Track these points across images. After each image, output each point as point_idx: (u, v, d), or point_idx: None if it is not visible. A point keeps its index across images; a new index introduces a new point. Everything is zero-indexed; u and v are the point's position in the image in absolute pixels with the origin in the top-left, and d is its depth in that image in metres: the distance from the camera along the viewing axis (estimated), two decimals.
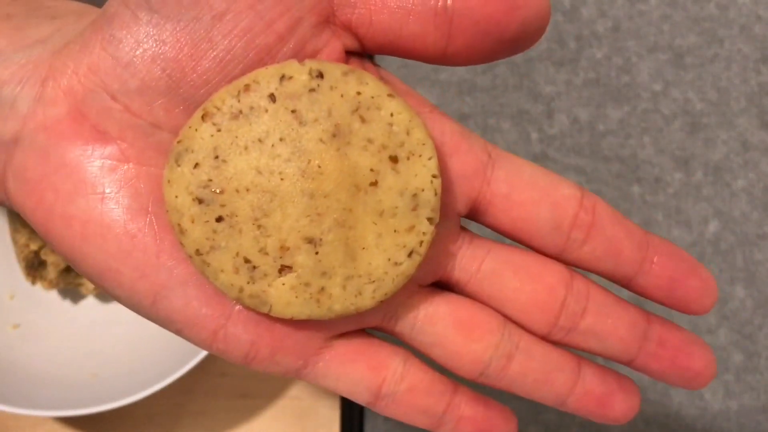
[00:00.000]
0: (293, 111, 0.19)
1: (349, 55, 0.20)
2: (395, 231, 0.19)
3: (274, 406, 0.46)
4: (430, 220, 0.19)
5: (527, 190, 0.20)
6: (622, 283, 0.21)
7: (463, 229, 0.21)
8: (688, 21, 0.45)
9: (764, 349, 0.44)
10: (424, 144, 0.19)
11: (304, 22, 0.19)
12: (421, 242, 0.19)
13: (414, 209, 0.19)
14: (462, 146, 0.20)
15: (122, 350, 0.44)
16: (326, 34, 0.19)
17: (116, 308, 0.45)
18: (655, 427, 0.44)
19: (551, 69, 0.45)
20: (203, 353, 0.38)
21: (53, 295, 0.46)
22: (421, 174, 0.19)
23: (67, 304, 0.46)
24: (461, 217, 0.21)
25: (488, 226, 0.21)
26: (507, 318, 0.21)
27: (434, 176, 0.19)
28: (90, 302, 0.46)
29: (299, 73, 0.19)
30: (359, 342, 0.21)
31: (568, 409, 0.22)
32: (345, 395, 0.21)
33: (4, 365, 0.42)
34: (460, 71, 0.45)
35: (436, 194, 0.19)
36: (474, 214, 0.21)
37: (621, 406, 0.21)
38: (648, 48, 0.45)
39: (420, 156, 0.19)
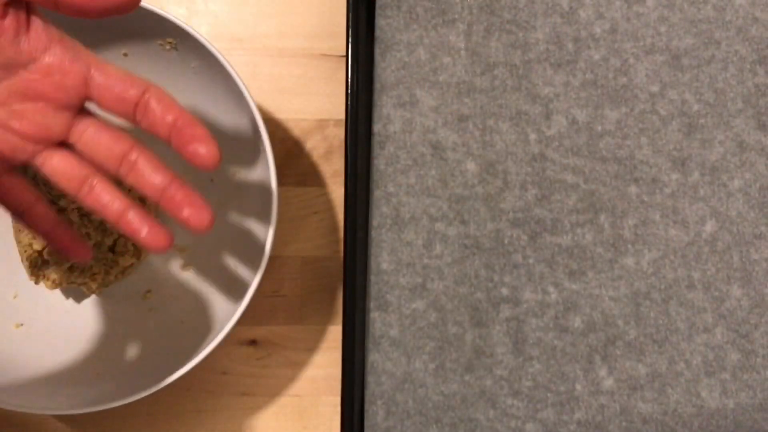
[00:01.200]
0: None
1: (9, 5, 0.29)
2: None
3: (274, 404, 0.46)
4: None
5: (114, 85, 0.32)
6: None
7: (85, 113, 0.33)
8: (685, 23, 0.46)
9: (761, 348, 0.44)
10: None
11: None
12: None
13: None
14: (65, 62, 0.31)
15: (124, 349, 0.44)
16: None
17: (118, 307, 0.46)
18: (652, 425, 0.44)
19: (549, 70, 0.45)
20: (204, 352, 0.38)
21: (56, 294, 0.46)
22: None
23: (70, 303, 0.46)
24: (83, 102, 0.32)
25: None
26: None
27: None
28: (92, 301, 0.46)
29: None
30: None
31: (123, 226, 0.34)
32: None
33: (7, 364, 0.42)
34: (459, 73, 0.45)
35: None
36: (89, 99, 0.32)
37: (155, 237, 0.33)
38: (645, 50, 0.45)
39: None
